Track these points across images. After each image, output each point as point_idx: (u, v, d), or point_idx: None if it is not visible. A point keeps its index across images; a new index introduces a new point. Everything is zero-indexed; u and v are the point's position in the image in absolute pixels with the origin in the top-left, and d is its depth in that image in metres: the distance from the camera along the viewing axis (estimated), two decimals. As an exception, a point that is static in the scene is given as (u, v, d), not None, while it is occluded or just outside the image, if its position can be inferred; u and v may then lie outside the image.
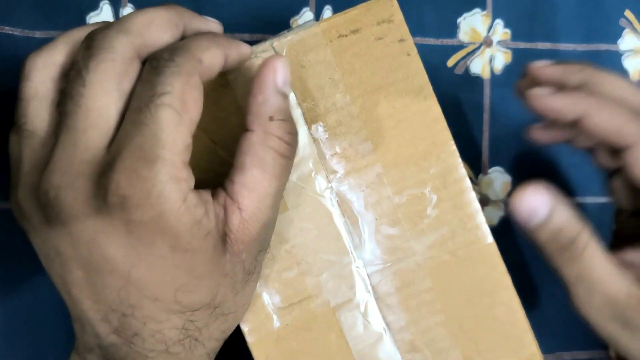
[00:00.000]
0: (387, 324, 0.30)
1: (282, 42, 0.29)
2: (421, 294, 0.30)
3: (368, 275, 0.30)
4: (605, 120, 0.27)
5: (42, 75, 0.26)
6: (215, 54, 0.25)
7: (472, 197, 0.30)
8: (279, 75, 0.26)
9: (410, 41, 0.29)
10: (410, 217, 0.30)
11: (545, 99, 0.27)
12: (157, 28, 0.26)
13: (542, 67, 0.30)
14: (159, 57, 0.24)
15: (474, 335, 0.30)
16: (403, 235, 0.29)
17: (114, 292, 0.25)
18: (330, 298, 0.30)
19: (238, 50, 0.27)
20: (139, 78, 0.25)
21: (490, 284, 0.30)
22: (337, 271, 0.30)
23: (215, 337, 0.27)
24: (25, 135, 0.26)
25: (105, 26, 0.25)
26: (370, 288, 0.30)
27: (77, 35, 0.27)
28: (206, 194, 0.25)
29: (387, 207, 0.30)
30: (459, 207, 0.30)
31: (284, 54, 0.29)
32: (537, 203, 0.27)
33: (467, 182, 0.30)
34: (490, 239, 0.29)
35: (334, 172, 0.29)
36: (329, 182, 0.30)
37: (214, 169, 0.28)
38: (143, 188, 0.23)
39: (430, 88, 0.29)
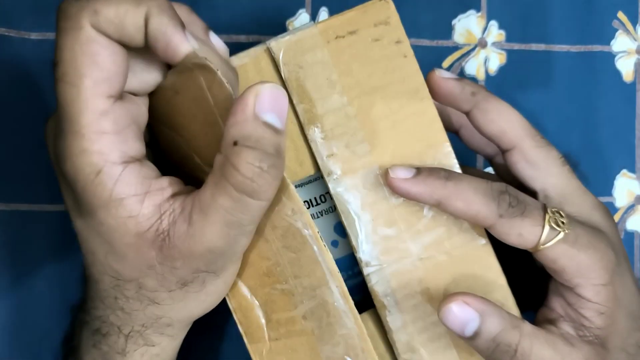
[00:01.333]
0: (384, 325, 0.30)
1: (279, 42, 0.29)
2: (417, 295, 0.30)
3: (365, 277, 0.30)
4: (461, 208, 0.28)
5: None
6: (126, 10, 0.23)
7: None
8: (260, 100, 0.23)
9: (406, 43, 0.29)
10: (406, 218, 0.30)
11: (405, 184, 0.28)
12: None
13: (444, 79, 0.30)
14: (58, 7, 0.24)
15: None
16: (400, 236, 0.30)
17: (76, 234, 0.27)
18: (314, 328, 0.29)
19: (160, 8, 0.24)
20: None
21: (486, 283, 0.30)
22: (317, 304, 0.29)
23: (148, 315, 0.26)
24: None
25: None
26: (356, 326, 0.29)
27: None
28: (159, 183, 0.25)
29: (384, 208, 0.30)
30: None
31: (281, 54, 0.29)
32: (465, 315, 0.27)
33: None
34: (485, 239, 0.30)
35: (331, 173, 0.29)
36: (298, 203, 0.28)
37: (196, 176, 0.28)
38: (64, 157, 0.24)
39: (427, 89, 0.29)
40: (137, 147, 0.25)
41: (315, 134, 0.29)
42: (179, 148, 0.28)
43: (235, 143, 0.23)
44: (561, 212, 0.28)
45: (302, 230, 0.28)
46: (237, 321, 0.29)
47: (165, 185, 0.25)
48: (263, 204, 0.24)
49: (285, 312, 0.29)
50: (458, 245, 0.30)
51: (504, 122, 0.30)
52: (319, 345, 0.29)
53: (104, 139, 0.23)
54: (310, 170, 0.30)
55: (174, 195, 0.25)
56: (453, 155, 0.30)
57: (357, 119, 0.29)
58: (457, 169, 0.30)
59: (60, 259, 0.36)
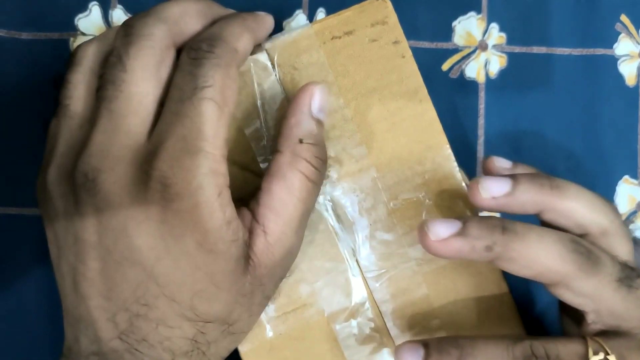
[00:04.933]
0: (384, 333, 0.29)
1: (274, 43, 0.29)
2: (417, 301, 0.29)
3: (363, 282, 0.29)
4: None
5: (91, 62, 0.26)
6: (248, 41, 0.26)
7: (470, 204, 0.29)
8: (315, 100, 0.26)
9: (404, 43, 0.29)
10: (405, 222, 0.29)
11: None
12: (191, 18, 0.26)
13: (444, 243, 0.26)
14: (197, 47, 0.25)
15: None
16: (398, 241, 0.29)
17: (132, 287, 0.24)
18: (325, 307, 0.29)
19: (265, 27, 0.27)
20: (178, 67, 0.25)
21: (487, 290, 0.29)
22: (333, 279, 0.29)
23: (221, 354, 0.26)
24: (67, 117, 0.26)
25: (142, 14, 0.26)
26: (366, 295, 0.29)
27: None
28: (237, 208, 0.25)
29: (382, 212, 0.29)
30: (454, 213, 0.29)
31: (275, 55, 0.28)
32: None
33: (463, 187, 0.29)
34: None
35: (328, 176, 0.29)
36: (324, 186, 0.29)
37: None
38: (185, 178, 0.23)
39: (425, 91, 0.29)
40: None
41: None
42: None
43: (300, 141, 0.26)
44: (604, 346, 0.25)
45: (324, 213, 0.29)
46: None
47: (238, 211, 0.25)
48: (318, 190, 0.27)
49: (295, 301, 0.29)
50: None
51: (539, 265, 0.25)
52: (330, 324, 0.29)
53: (224, 163, 0.24)
54: None
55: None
56: (453, 158, 0.29)
57: (354, 121, 0.29)
58: (456, 172, 0.29)
59: (50, 264, 0.36)
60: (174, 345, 0.24)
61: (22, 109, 0.36)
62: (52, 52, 0.36)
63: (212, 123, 0.24)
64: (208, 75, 0.24)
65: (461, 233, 0.25)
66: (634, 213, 0.39)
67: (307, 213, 0.26)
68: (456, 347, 0.25)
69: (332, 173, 0.29)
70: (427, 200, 0.29)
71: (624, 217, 0.39)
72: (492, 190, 0.26)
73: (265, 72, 0.28)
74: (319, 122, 0.26)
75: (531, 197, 0.26)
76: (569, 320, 0.29)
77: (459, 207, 0.29)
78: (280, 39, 0.28)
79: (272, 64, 0.28)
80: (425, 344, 0.26)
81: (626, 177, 0.39)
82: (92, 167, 0.24)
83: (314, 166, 0.26)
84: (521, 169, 0.29)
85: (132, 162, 0.24)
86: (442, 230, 0.25)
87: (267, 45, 0.29)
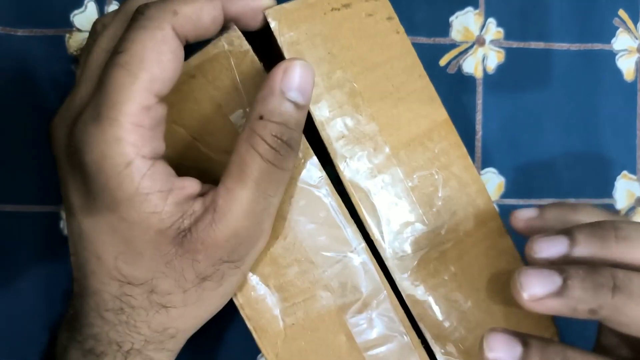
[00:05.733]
0: (406, 325, 0.28)
1: (275, 10, 0.27)
2: (447, 282, 0.28)
3: (389, 268, 0.28)
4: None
5: None
6: (201, 6, 0.25)
7: (476, 174, 0.29)
8: (289, 77, 0.24)
9: (396, 20, 0.29)
10: (423, 200, 0.28)
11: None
12: None
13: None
14: (135, 10, 0.24)
15: (500, 314, 0.29)
16: (420, 220, 0.28)
17: (75, 238, 0.26)
18: (336, 298, 0.28)
19: (247, 2, 0.26)
20: None
21: (504, 258, 0.29)
22: (341, 268, 0.28)
23: (153, 327, 0.26)
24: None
25: None
26: (382, 284, 0.28)
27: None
28: (180, 182, 0.25)
29: (401, 190, 0.28)
30: (465, 185, 0.29)
31: (277, 24, 0.27)
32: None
33: (469, 159, 0.29)
34: (496, 215, 0.29)
35: (344, 157, 0.28)
36: (321, 171, 0.28)
37: (200, 166, 0.27)
38: (89, 144, 0.23)
39: (422, 67, 0.29)
40: (162, 146, 0.25)
41: (321, 113, 0.28)
42: (180, 140, 0.27)
43: (261, 117, 0.24)
44: None
45: (324, 198, 0.27)
46: (245, 317, 0.28)
47: (186, 185, 0.25)
48: (285, 175, 0.25)
49: (304, 291, 0.28)
50: (474, 224, 0.29)
51: None
52: (343, 316, 0.28)
53: (139, 132, 0.23)
54: None
55: (194, 197, 0.25)
56: (456, 131, 0.29)
57: (363, 97, 0.28)
58: (462, 146, 0.29)
59: (47, 261, 0.36)
60: (102, 300, 0.25)
61: (18, 105, 0.36)
62: (48, 48, 0.36)
63: (120, 90, 0.23)
64: (128, 40, 0.23)
65: (560, 293, 0.22)
66: (632, 209, 0.39)
67: (264, 197, 0.25)
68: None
69: (347, 153, 0.28)
70: (440, 175, 0.29)
71: (622, 213, 0.39)
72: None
73: (241, 51, 0.27)
74: (293, 104, 0.24)
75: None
76: (613, 338, 0.26)
77: (469, 179, 0.29)
78: (280, 7, 0.27)
79: (274, 32, 0.27)
80: (525, 342, 0.22)
81: (625, 172, 0.39)
82: (52, 125, 0.26)
83: (270, 145, 0.24)
84: (551, 214, 0.26)
85: (69, 124, 0.25)
86: (537, 288, 0.22)
87: (268, 11, 0.27)
